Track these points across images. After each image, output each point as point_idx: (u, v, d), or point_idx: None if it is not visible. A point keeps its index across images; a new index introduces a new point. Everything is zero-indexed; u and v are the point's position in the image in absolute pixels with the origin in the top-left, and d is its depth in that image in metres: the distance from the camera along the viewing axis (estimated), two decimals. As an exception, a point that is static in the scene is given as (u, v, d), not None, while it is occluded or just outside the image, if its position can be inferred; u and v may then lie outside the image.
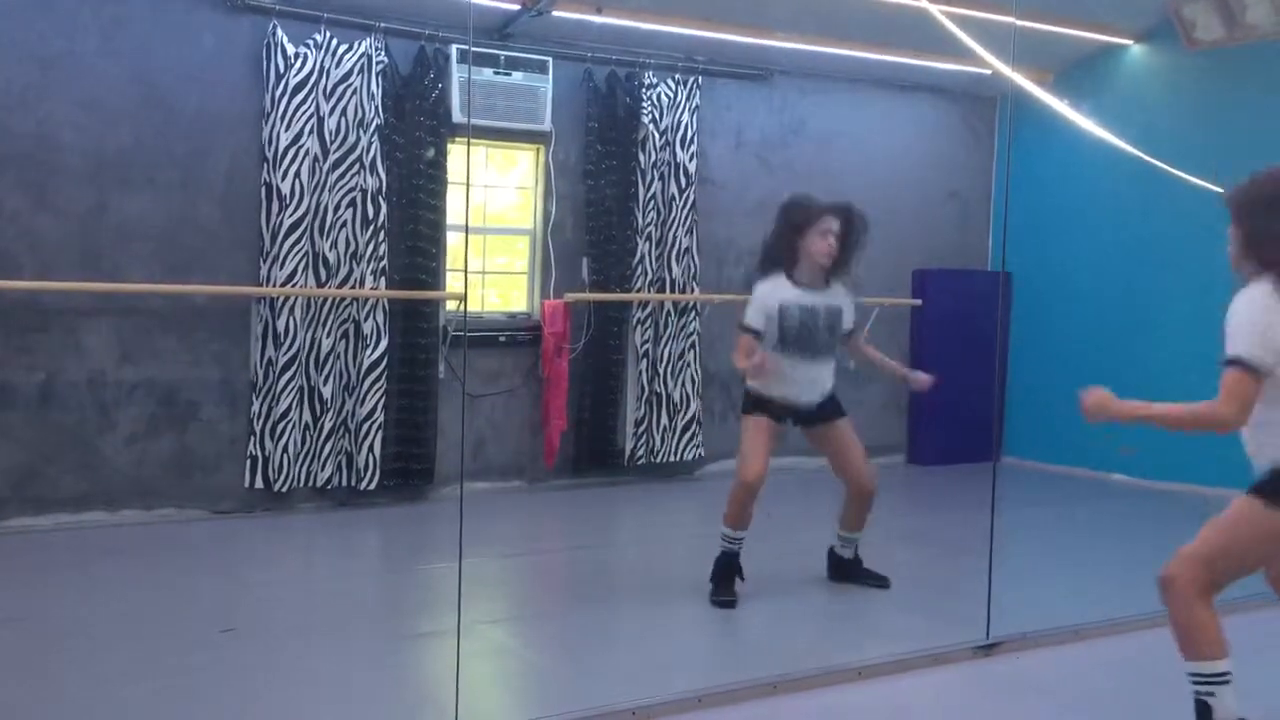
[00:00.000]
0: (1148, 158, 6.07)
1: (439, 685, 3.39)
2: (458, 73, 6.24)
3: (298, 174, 5.89)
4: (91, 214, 5.58)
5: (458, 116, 6.31)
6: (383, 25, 6.12)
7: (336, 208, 6.03)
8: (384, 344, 6.16)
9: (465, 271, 6.72)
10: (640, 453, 7.01)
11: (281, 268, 5.89)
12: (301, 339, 5.98)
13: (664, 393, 7.05)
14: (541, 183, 6.81)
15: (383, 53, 6.13)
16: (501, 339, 6.70)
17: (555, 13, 6.22)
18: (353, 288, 6.09)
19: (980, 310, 7.54)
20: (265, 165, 5.88)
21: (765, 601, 4.50)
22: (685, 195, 7.06)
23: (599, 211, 6.84)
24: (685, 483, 7.16)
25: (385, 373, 6.17)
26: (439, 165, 6.33)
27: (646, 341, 7.01)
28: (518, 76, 6.42)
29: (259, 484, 5.91)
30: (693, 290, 7.15)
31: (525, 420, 6.77)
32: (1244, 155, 6.26)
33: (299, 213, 5.91)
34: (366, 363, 6.11)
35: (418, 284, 6.28)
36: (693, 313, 7.18)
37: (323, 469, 6.06)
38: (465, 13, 6.15)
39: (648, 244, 6.97)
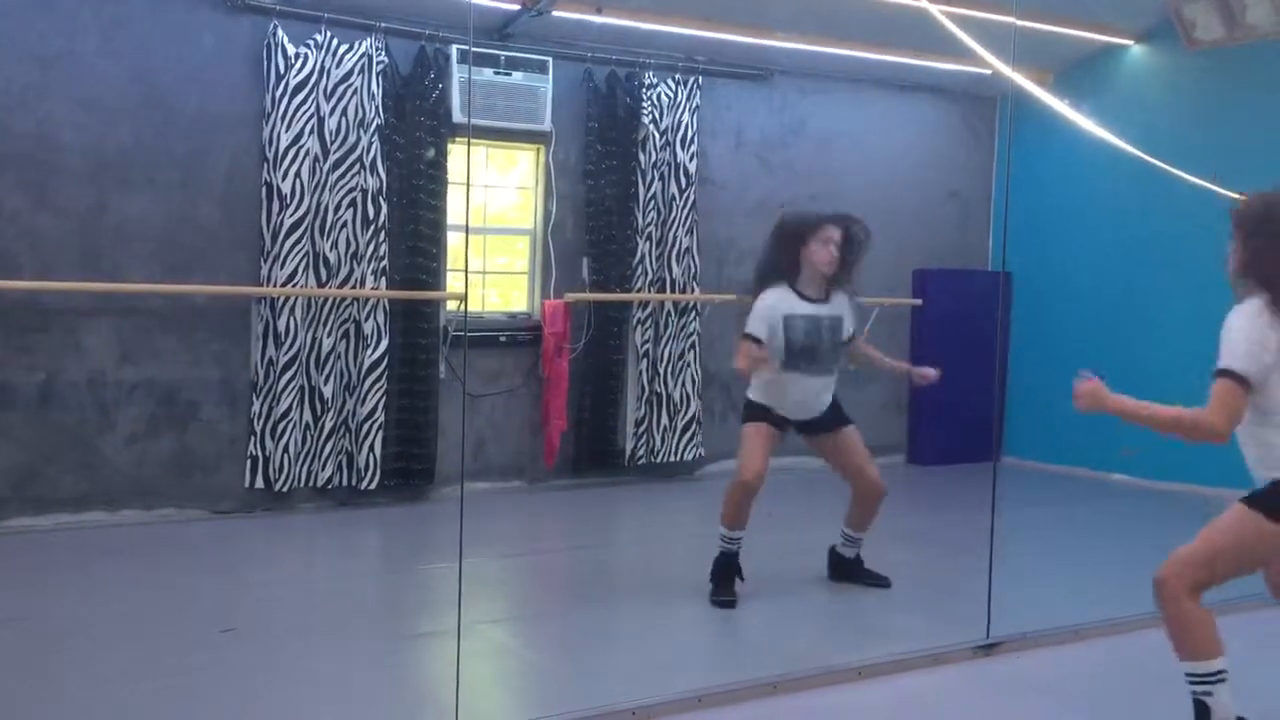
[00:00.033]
0: (1148, 158, 6.05)
1: (439, 685, 3.39)
2: (458, 73, 6.24)
3: (298, 174, 5.90)
4: (91, 214, 5.58)
5: (458, 116, 6.31)
6: (383, 25, 6.12)
7: (337, 208, 6.04)
8: (384, 344, 6.16)
9: (466, 271, 6.73)
10: (640, 453, 7.01)
11: (282, 268, 5.89)
12: (302, 339, 5.98)
13: (664, 393, 7.05)
14: (542, 183, 6.81)
15: (383, 53, 6.13)
16: (502, 339, 6.70)
17: (555, 13, 6.22)
18: (353, 288, 6.09)
19: (980, 310, 7.53)
20: (265, 165, 5.88)
21: (765, 601, 4.50)
22: (685, 195, 7.06)
23: (599, 211, 6.84)
24: (685, 483, 7.16)
25: (386, 373, 6.17)
26: (439, 165, 6.33)
27: (647, 341, 7.01)
28: (518, 76, 6.42)
29: (259, 484, 5.91)
30: (693, 290, 7.15)
31: (525, 420, 6.77)
32: (1244, 155, 6.25)
33: (299, 213, 5.92)
34: (367, 363, 6.12)
35: (418, 284, 6.29)
36: (693, 313, 7.18)
37: (323, 469, 6.07)
38: (465, 13, 6.15)
39: (648, 244, 6.97)
